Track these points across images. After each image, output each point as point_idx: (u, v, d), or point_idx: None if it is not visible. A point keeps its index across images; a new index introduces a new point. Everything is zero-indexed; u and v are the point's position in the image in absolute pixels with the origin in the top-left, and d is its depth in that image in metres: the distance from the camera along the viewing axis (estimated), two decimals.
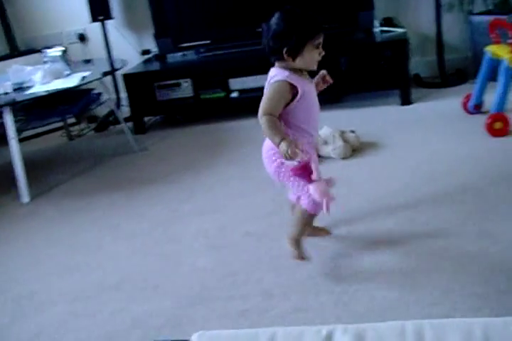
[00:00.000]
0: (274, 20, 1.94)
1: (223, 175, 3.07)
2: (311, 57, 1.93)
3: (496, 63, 3.24)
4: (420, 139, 3.20)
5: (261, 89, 3.73)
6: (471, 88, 3.49)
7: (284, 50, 1.89)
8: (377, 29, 4.02)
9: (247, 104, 3.91)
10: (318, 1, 3.88)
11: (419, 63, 4.27)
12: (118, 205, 2.89)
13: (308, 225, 2.17)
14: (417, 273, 2.03)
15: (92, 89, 3.67)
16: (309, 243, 2.28)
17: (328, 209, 1.89)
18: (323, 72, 2.10)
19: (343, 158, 3.00)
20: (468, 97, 3.49)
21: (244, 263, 2.22)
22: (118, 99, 4.34)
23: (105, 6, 4.17)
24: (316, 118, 2.07)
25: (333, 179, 1.96)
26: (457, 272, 2.00)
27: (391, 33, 3.97)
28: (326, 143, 3.02)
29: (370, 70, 3.80)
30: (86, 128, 4.26)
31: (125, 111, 4.16)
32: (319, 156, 3.03)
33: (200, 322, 1.92)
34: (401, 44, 3.78)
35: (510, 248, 2.10)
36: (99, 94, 3.69)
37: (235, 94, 3.89)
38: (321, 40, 1.93)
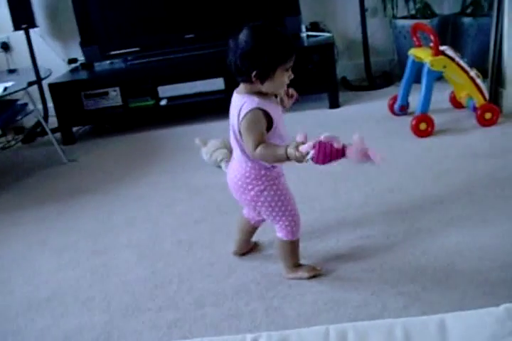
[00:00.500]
0: (243, 37, 1.76)
1: (154, 184, 3.03)
2: (281, 81, 1.80)
3: (419, 66, 3.32)
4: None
5: (190, 96, 3.82)
6: (397, 90, 3.57)
7: (253, 73, 1.75)
8: (304, 34, 4.06)
9: (177, 112, 3.92)
10: (244, 7, 3.90)
11: (346, 67, 4.34)
12: (47, 218, 2.82)
13: (297, 252, 2.07)
14: (346, 275, 2.06)
15: (17, 100, 3.58)
16: None
17: (378, 160, 1.71)
18: (288, 89, 1.98)
19: None
20: (394, 99, 3.56)
21: (175, 272, 2.20)
22: (45, 109, 4.23)
23: (29, 13, 4.07)
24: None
25: (359, 136, 1.71)
26: (386, 272, 2.04)
27: (318, 38, 4.02)
28: None
29: (298, 75, 3.80)
30: (13, 139, 4.15)
31: (53, 121, 4.07)
32: None
33: (132, 335, 1.89)
34: (328, 48, 3.83)
35: (436, 249, 2.16)
36: (25, 104, 3.60)
37: (164, 102, 3.86)
38: (292, 63, 1.80)
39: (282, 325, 1.81)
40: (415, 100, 3.30)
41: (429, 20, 4.04)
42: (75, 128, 4.04)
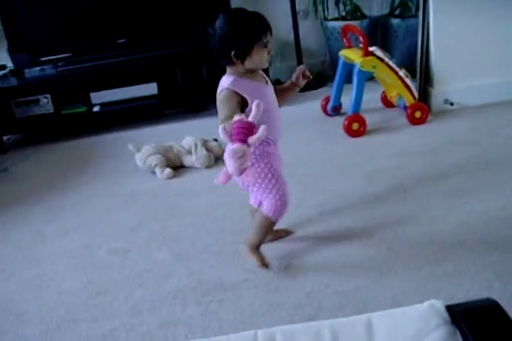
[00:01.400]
0: (218, 23, 1.89)
1: (87, 192, 2.97)
2: (260, 57, 1.91)
3: (349, 67, 3.37)
4: (283, 143, 3.24)
5: (123, 102, 3.78)
6: (330, 91, 3.60)
7: (232, 53, 1.87)
8: None
9: (110, 118, 3.87)
10: (176, 11, 3.87)
11: (280, 69, 4.36)
12: None
13: (269, 233, 2.15)
14: (281, 277, 2.07)
15: None
16: (174, 259, 2.26)
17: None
18: (301, 67, 2.13)
19: (207, 167, 3.00)
20: (327, 100, 3.60)
21: (111, 281, 2.17)
22: None
23: None
24: (277, 123, 2.04)
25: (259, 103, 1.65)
26: (320, 272, 2.06)
27: None
28: (189, 152, 3.01)
29: None
30: None
31: None
32: (183, 166, 3.04)
33: None
34: None
35: (369, 247, 2.20)
36: None
37: (97, 108, 3.80)
38: (268, 38, 1.90)
39: (218, 330, 1.81)
40: (348, 100, 3.34)
41: (359, 22, 4.10)
42: (5, 137, 3.92)
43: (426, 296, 1.87)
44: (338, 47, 3.67)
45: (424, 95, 3.53)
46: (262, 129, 1.58)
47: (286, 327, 1.14)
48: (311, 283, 2.00)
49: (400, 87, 3.30)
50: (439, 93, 3.48)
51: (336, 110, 3.56)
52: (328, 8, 4.27)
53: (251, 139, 1.59)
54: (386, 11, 4.31)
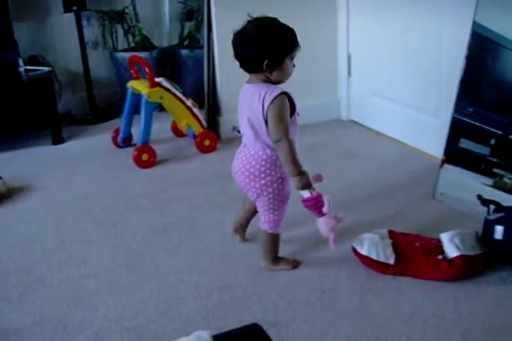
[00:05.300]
0: (253, 28, 1.86)
1: None
2: (288, 70, 1.92)
3: (138, 97, 3.37)
4: (73, 178, 3.17)
5: None
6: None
7: (266, 61, 1.85)
8: (22, 68, 3.91)
9: None
10: None
11: (70, 101, 4.27)
12: None
13: (278, 245, 2.18)
14: (68, 317, 1.99)
15: None
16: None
17: (334, 244, 1.98)
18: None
19: None
20: (117, 132, 3.56)
21: None
22: None
23: None
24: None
25: (341, 216, 1.97)
26: (110, 310, 2.02)
27: (36, 72, 3.89)
28: None
29: (18, 111, 3.70)
30: None
31: None
32: None
33: None
34: (47, 82, 3.73)
35: (160, 279, 2.20)
36: None
37: None
38: (297, 52, 1.92)
39: None
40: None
41: (148, 53, 4.14)
42: None
43: (214, 324, 1.93)
44: (128, 78, 3.68)
45: (213, 123, 3.65)
46: (327, 201, 1.89)
47: None
48: (100, 321, 1.96)
49: (188, 116, 3.37)
50: (226, 121, 3.60)
51: (127, 141, 3.55)
52: (117, 39, 4.28)
53: (325, 209, 1.90)
54: (176, 41, 4.39)
